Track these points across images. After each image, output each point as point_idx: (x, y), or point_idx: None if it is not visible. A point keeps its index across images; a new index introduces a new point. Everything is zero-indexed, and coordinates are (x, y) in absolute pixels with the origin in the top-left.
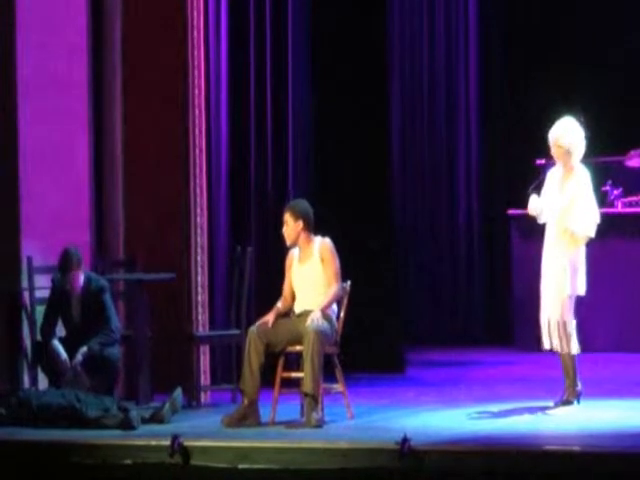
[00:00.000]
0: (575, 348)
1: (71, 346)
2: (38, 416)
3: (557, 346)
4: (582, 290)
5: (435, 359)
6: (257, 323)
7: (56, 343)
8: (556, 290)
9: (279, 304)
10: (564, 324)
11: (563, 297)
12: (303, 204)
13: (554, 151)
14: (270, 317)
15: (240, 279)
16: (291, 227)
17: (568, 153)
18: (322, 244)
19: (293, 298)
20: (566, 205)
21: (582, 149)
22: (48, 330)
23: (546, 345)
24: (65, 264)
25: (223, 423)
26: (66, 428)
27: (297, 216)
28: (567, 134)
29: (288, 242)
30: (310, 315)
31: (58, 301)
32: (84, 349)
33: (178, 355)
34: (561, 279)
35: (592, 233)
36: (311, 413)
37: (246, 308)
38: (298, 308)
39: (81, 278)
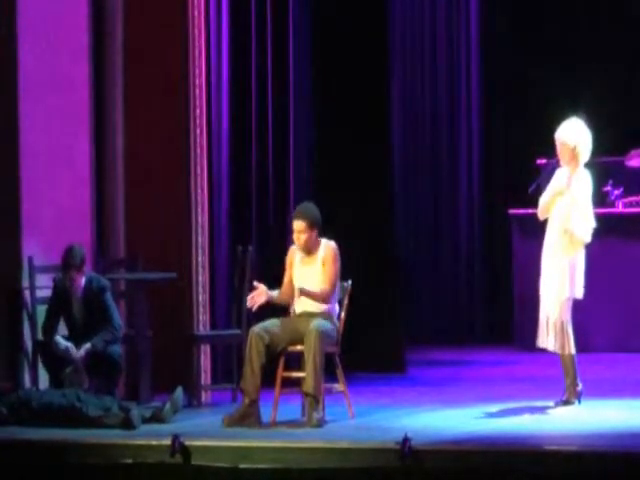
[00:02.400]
0: (573, 348)
1: (74, 345)
2: (39, 415)
3: (555, 346)
4: (580, 293)
5: (436, 359)
6: (253, 306)
7: (58, 337)
8: (555, 291)
9: (277, 293)
10: (562, 324)
11: (562, 299)
12: (314, 210)
13: (560, 150)
14: (261, 292)
15: (241, 279)
16: (308, 235)
17: (574, 152)
18: (326, 248)
19: (291, 295)
20: (567, 207)
21: (588, 151)
22: (50, 329)
23: (542, 344)
24: (68, 261)
25: (224, 423)
26: (67, 427)
27: (312, 225)
28: (574, 133)
29: (304, 250)
30: (305, 317)
31: (60, 301)
32: (87, 345)
33: (179, 355)
34: (560, 281)
35: (589, 238)
36: (312, 413)
37: (247, 308)
38: (298, 308)
39: (82, 277)
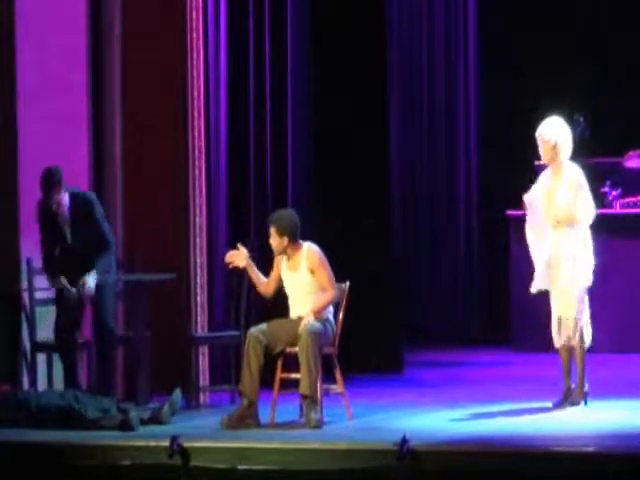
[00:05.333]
0: (589, 341)
1: (69, 269)
2: (37, 417)
3: (569, 341)
4: (589, 281)
5: (434, 359)
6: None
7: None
8: (568, 285)
9: (263, 279)
10: (579, 318)
11: (578, 289)
12: (287, 219)
13: (541, 148)
14: (241, 254)
15: (239, 280)
16: (277, 242)
17: (554, 149)
18: (309, 253)
19: (271, 291)
20: (562, 203)
21: (569, 146)
22: (52, 258)
23: (558, 343)
24: (48, 181)
25: (222, 424)
26: (65, 429)
27: (281, 233)
28: (552, 129)
29: (275, 253)
30: (302, 320)
31: (50, 224)
32: (91, 283)
33: (177, 356)
34: (573, 271)
35: (590, 220)
36: (310, 414)
37: (245, 309)
38: (293, 314)
39: (66, 197)
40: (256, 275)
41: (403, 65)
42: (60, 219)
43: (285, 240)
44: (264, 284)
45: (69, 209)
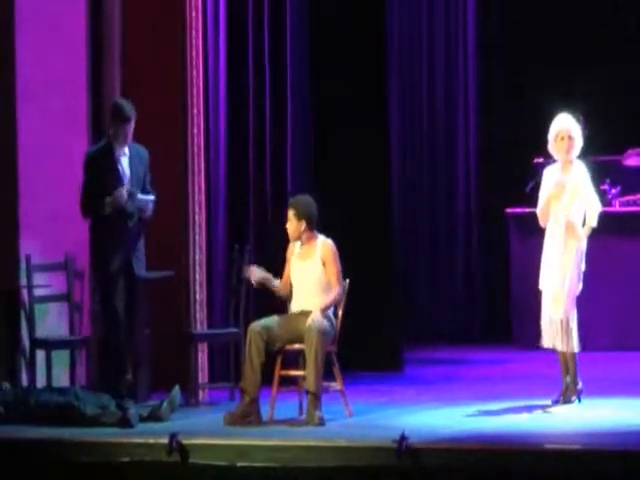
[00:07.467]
0: (577, 346)
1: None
2: (36, 414)
3: (559, 344)
4: (580, 287)
5: (433, 357)
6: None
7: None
8: (561, 287)
9: (278, 282)
10: (567, 322)
11: (570, 294)
12: (307, 204)
13: (565, 142)
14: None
15: (238, 277)
16: (294, 226)
17: (573, 146)
18: (324, 246)
19: (289, 288)
20: (567, 200)
21: (581, 143)
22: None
23: (546, 344)
24: (129, 111)
25: (225, 421)
26: (64, 426)
27: (300, 217)
28: (574, 125)
29: (291, 239)
30: (310, 315)
31: (107, 169)
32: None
33: (176, 353)
34: (567, 276)
35: (594, 223)
36: (314, 411)
37: (244, 307)
38: (296, 307)
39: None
40: (278, 288)
41: (403, 65)
42: (118, 160)
43: (303, 224)
44: (280, 287)
45: (129, 155)
